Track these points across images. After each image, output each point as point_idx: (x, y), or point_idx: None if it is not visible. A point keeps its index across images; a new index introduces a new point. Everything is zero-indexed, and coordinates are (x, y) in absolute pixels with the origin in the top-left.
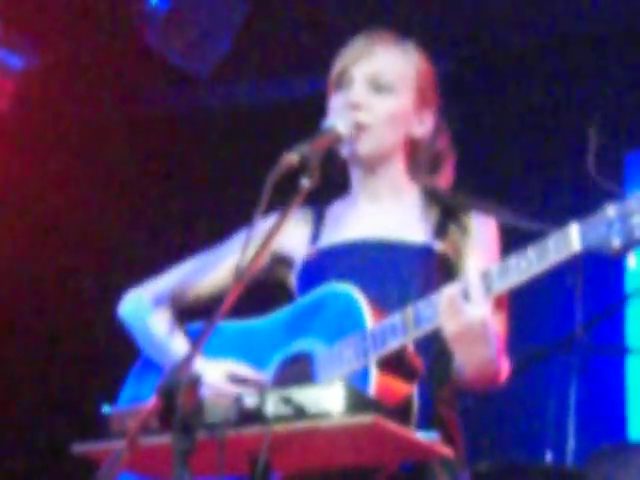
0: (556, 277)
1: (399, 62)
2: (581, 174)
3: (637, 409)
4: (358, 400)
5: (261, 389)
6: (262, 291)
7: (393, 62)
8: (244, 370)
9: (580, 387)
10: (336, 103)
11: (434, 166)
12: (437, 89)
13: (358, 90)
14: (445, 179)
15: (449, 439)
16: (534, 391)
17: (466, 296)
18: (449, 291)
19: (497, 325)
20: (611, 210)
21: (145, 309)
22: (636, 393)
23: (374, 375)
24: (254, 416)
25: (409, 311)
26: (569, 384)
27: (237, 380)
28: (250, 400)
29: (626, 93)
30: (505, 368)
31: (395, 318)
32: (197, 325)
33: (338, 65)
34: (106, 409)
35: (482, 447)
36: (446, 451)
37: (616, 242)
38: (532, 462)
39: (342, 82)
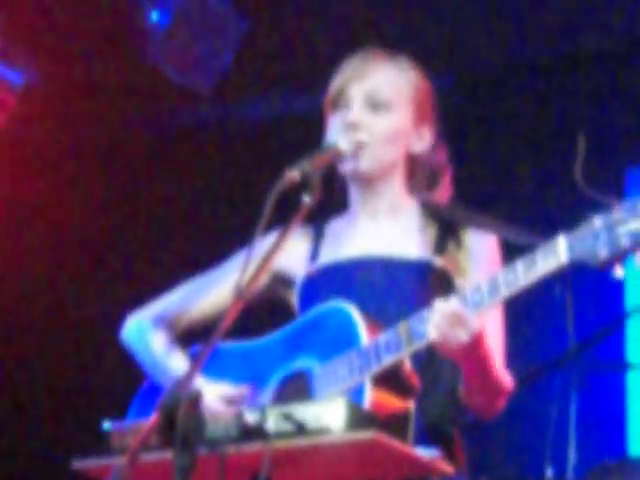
0: (552, 291)
1: (395, 78)
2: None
3: (637, 425)
4: (359, 416)
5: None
6: (263, 311)
7: (389, 79)
8: (237, 392)
9: (580, 403)
10: (334, 123)
11: (433, 181)
12: (434, 103)
13: (356, 110)
14: (444, 193)
15: (450, 455)
16: (534, 406)
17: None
18: (448, 305)
19: (492, 329)
20: (597, 221)
21: (145, 330)
22: (636, 409)
23: (368, 391)
24: (255, 432)
25: (402, 327)
26: (569, 400)
27: (231, 402)
28: (251, 416)
29: (627, 108)
30: (508, 380)
31: (389, 334)
32: (199, 347)
33: (334, 85)
34: (107, 425)
35: (483, 462)
36: (446, 467)
37: (602, 253)
38: (532, 477)
39: (339, 102)
